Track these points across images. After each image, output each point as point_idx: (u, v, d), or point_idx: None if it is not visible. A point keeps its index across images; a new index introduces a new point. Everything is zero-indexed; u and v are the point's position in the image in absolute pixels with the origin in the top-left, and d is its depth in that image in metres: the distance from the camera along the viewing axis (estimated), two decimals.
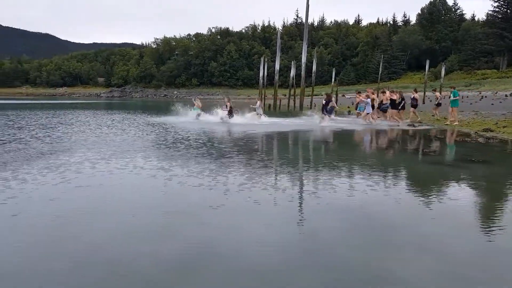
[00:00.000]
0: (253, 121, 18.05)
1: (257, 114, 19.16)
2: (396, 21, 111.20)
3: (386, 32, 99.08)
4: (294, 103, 35.94)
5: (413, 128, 15.79)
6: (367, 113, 17.03)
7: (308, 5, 30.20)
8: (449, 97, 17.13)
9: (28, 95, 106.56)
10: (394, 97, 17.61)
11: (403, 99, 17.73)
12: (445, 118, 18.09)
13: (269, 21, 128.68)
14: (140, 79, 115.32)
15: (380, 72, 49.67)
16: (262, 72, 42.14)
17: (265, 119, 19.04)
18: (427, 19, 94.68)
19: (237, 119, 18.09)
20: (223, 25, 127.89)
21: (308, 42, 33.84)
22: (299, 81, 33.05)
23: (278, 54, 34.79)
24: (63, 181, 5.89)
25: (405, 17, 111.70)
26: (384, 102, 17.62)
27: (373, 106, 17.45)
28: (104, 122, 17.59)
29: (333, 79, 47.86)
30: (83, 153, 8.46)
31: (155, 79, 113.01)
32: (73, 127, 14.61)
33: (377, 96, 20.23)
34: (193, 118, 18.41)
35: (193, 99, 21.21)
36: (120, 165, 7.23)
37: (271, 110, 32.08)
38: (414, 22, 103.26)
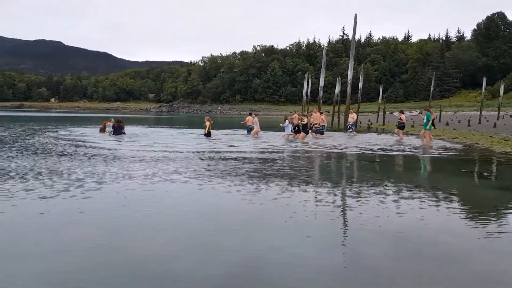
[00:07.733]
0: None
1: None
2: (449, 37, 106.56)
3: (438, 49, 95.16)
4: (338, 120, 35.02)
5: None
6: (288, 134, 17.99)
7: (356, 22, 29.41)
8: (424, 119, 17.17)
9: (85, 109, 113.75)
10: (305, 120, 17.72)
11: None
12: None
13: (314, 38, 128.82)
14: (187, 95, 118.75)
15: (431, 90, 47.39)
16: (306, 88, 41.65)
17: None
18: (483, 35, 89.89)
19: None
20: (268, 43, 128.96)
21: (355, 58, 32.79)
22: (344, 98, 32.09)
23: (323, 70, 34.11)
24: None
25: (459, 33, 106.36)
26: (315, 123, 18.82)
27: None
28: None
29: (380, 96, 46.31)
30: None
31: (201, 95, 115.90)
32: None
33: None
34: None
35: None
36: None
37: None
38: (469, 38, 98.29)
